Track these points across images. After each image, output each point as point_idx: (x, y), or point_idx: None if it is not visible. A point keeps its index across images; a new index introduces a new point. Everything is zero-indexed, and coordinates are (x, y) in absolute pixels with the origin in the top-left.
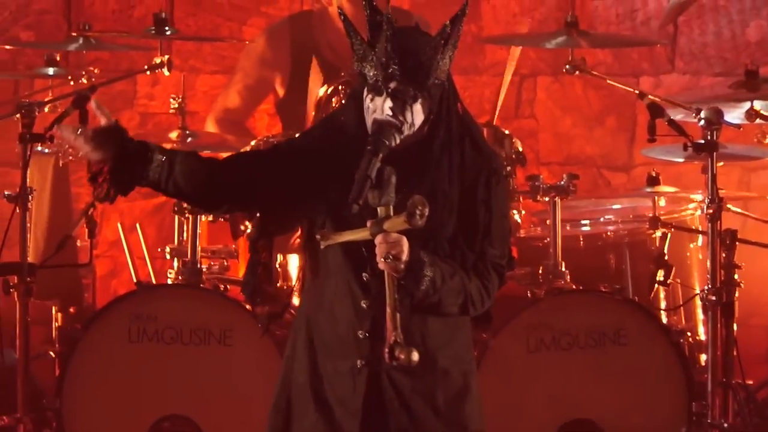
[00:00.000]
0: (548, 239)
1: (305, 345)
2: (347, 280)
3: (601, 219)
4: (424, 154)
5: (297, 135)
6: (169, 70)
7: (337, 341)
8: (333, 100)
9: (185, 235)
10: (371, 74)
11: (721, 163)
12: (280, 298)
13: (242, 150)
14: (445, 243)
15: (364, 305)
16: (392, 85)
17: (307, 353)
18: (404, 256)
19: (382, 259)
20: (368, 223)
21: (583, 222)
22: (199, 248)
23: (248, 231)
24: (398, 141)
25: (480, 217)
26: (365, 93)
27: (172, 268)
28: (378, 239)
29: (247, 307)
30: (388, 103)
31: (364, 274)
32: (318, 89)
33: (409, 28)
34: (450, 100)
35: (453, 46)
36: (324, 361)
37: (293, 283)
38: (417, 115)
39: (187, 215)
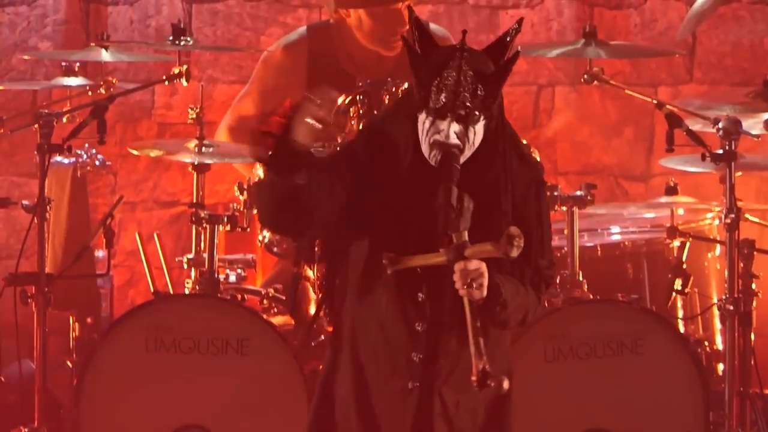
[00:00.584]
0: (566, 249)
1: (350, 360)
2: (400, 300)
3: (619, 228)
4: (481, 172)
5: (339, 152)
6: (187, 80)
7: (388, 361)
8: (351, 110)
9: (203, 245)
10: (437, 98)
11: (740, 173)
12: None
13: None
14: (506, 260)
15: (419, 328)
16: (461, 112)
17: (351, 368)
18: (486, 283)
19: (465, 287)
20: (442, 249)
21: (600, 231)
22: (216, 258)
23: (265, 241)
24: (459, 163)
25: (533, 231)
26: (424, 114)
27: (190, 277)
28: (458, 266)
29: (264, 317)
30: (454, 127)
31: (419, 295)
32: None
33: (477, 52)
34: (503, 116)
35: (511, 68)
36: (372, 377)
37: (310, 292)
38: (478, 134)
39: (204, 225)
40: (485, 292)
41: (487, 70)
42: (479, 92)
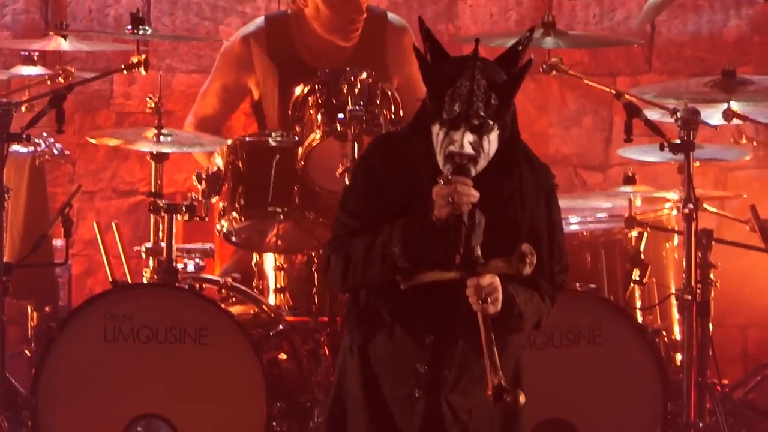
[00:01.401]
0: None
1: (359, 364)
2: (411, 312)
3: (577, 218)
4: (497, 183)
5: (356, 182)
6: (145, 70)
7: (394, 371)
8: (309, 99)
9: (161, 234)
10: (450, 109)
11: (698, 163)
12: None
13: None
14: (512, 285)
15: (427, 341)
16: (475, 121)
17: (361, 371)
18: (500, 298)
19: (479, 302)
20: (457, 264)
21: None
22: (174, 247)
23: (223, 230)
24: (475, 172)
25: (545, 240)
26: (438, 126)
27: (148, 267)
28: (471, 282)
29: (222, 306)
30: (468, 137)
31: (431, 308)
32: (293, 90)
33: (489, 62)
34: (516, 126)
35: (524, 76)
36: (381, 379)
37: (269, 282)
38: (492, 144)
39: (162, 214)
40: (499, 307)
41: (500, 79)
42: (492, 101)
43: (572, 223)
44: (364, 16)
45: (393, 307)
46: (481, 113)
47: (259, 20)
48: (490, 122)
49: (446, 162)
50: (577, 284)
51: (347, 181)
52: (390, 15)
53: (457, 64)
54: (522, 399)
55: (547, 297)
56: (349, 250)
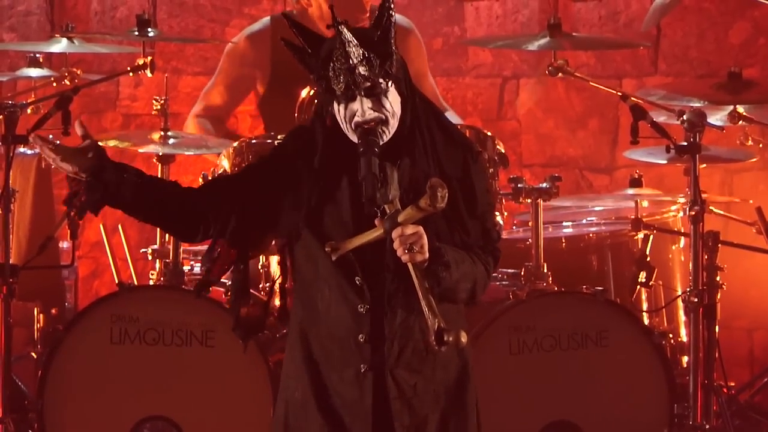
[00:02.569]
0: (530, 241)
1: (302, 359)
2: (340, 285)
3: (584, 221)
4: (398, 137)
5: (269, 152)
6: (151, 72)
7: (338, 349)
8: (316, 101)
9: (167, 236)
10: (337, 81)
11: (704, 165)
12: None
13: (219, 171)
14: (440, 229)
15: (361, 310)
16: (362, 84)
17: (305, 367)
18: (426, 244)
19: (406, 252)
20: (377, 222)
21: (565, 224)
22: (180, 250)
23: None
24: (390, 134)
25: (464, 199)
26: (336, 106)
27: (154, 269)
28: (395, 233)
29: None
30: (367, 103)
31: (356, 278)
32: (299, 90)
33: (357, 28)
34: (410, 80)
35: (393, 23)
36: (326, 371)
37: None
38: (395, 102)
39: None
40: (427, 254)
41: (370, 34)
42: (373, 60)
43: (578, 226)
44: (368, 15)
45: (323, 283)
46: (367, 74)
47: (265, 20)
48: (381, 81)
49: (357, 135)
50: (584, 287)
51: None
52: (397, 16)
53: (329, 41)
54: (464, 338)
55: (480, 261)
56: None
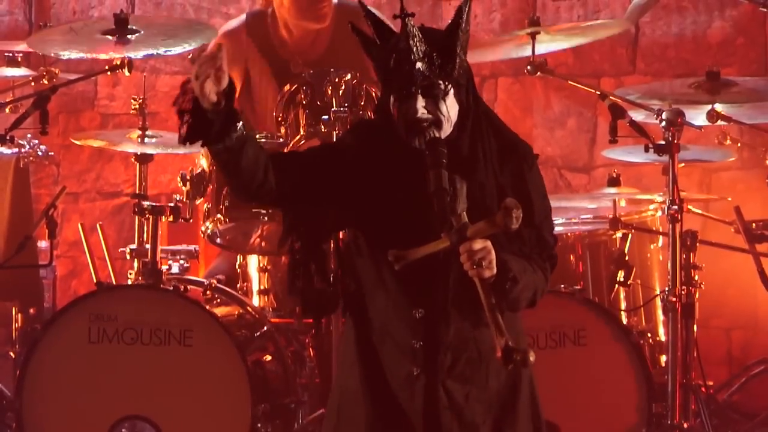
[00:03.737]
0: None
1: (358, 347)
2: (398, 289)
3: (562, 220)
4: (459, 148)
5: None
6: (129, 71)
7: (394, 349)
8: (293, 101)
9: (145, 235)
10: (397, 79)
11: (682, 165)
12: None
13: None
14: (500, 237)
15: (417, 315)
16: (421, 82)
17: (360, 355)
18: (494, 261)
19: (474, 267)
20: (443, 235)
21: None
22: (159, 249)
23: (208, 232)
24: (442, 137)
25: (536, 208)
26: (392, 101)
27: (133, 268)
28: (463, 248)
29: (207, 307)
30: (420, 102)
31: (415, 285)
32: (272, 87)
33: (423, 28)
34: (474, 89)
35: (467, 32)
36: (381, 364)
37: (253, 283)
38: (452, 107)
39: (147, 216)
40: (495, 270)
41: (438, 35)
42: (435, 59)
43: (557, 225)
44: None
45: (385, 283)
46: (427, 73)
47: (242, 16)
48: (441, 83)
49: (408, 133)
50: (562, 286)
51: None
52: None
53: (398, 35)
54: (532, 357)
55: (539, 268)
56: None
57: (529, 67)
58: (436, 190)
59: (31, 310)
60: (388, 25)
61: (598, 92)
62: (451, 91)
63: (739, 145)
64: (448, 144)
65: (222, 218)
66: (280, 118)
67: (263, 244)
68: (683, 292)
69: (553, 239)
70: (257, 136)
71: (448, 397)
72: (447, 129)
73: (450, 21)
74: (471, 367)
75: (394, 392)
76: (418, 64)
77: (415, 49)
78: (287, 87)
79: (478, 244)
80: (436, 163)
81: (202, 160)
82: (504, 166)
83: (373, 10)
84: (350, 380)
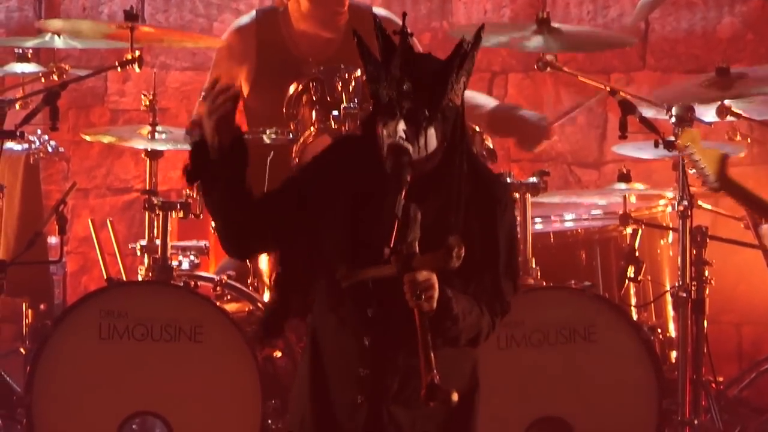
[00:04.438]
0: (518, 236)
1: (308, 377)
2: (351, 314)
3: (572, 216)
4: (435, 184)
5: (309, 164)
6: (139, 67)
7: (339, 374)
8: (304, 96)
9: (156, 231)
10: (384, 94)
11: None
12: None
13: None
14: (455, 277)
15: (366, 342)
16: (406, 104)
17: (309, 385)
18: (436, 295)
19: (414, 298)
20: (392, 260)
21: (553, 218)
22: (169, 245)
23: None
24: (412, 165)
25: (486, 251)
26: (378, 121)
27: (143, 264)
28: (407, 278)
29: (217, 303)
30: (402, 125)
31: (368, 310)
32: (282, 84)
33: (423, 53)
34: (463, 129)
35: (468, 71)
36: (329, 389)
37: (264, 279)
38: (430, 139)
39: (157, 212)
40: (434, 305)
41: (432, 65)
42: (425, 84)
43: (567, 221)
44: (346, 8)
45: (336, 305)
46: (412, 95)
47: (252, 13)
48: (425, 110)
49: (386, 156)
50: (572, 282)
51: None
52: (375, 9)
53: (392, 52)
54: (455, 397)
55: (488, 312)
56: None
57: (539, 63)
58: (388, 214)
59: (42, 306)
60: (392, 40)
61: (608, 88)
62: (434, 123)
63: (749, 140)
64: (424, 176)
65: None
66: (290, 115)
67: None
68: (693, 288)
69: (512, 288)
70: (267, 132)
71: (393, 424)
72: (416, 158)
73: (453, 52)
74: (418, 395)
75: (339, 424)
76: (406, 85)
77: (407, 69)
78: (297, 83)
79: (422, 276)
80: (397, 189)
81: None
82: (476, 208)
83: (387, 14)
84: (299, 412)
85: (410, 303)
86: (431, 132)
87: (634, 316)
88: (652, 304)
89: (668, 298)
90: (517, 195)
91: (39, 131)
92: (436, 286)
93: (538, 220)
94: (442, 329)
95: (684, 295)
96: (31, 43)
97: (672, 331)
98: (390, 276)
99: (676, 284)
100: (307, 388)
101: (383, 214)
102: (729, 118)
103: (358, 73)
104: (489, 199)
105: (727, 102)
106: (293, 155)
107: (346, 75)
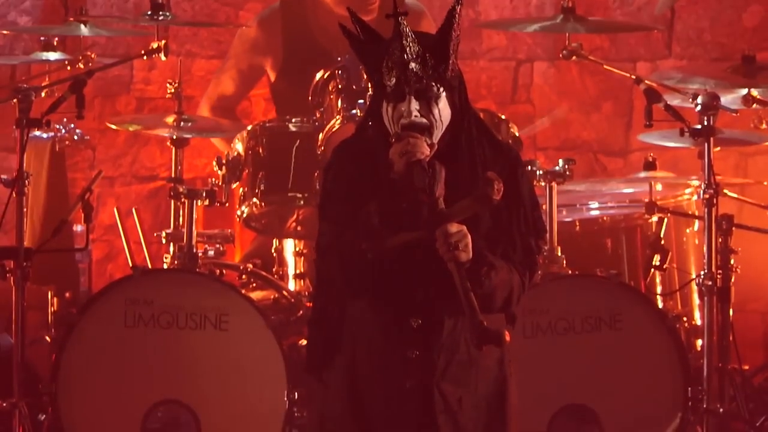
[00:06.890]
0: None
1: (343, 371)
2: (394, 298)
3: (597, 204)
4: (451, 150)
5: (329, 190)
6: (165, 55)
7: (385, 363)
8: (329, 85)
9: (181, 219)
10: (389, 80)
11: (718, 148)
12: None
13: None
14: (481, 240)
15: (414, 324)
16: (414, 83)
17: (346, 379)
18: (470, 244)
19: (450, 250)
20: (423, 219)
21: (579, 207)
22: (195, 233)
23: (244, 216)
24: (433, 142)
25: (514, 212)
26: (385, 105)
27: (168, 252)
28: (439, 231)
29: (243, 291)
30: (414, 104)
31: (416, 294)
32: (309, 73)
33: (417, 32)
34: (465, 92)
35: (458, 35)
36: (370, 384)
37: (289, 267)
38: (443, 111)
39: (182, 200)
40: (471, 253)
41: (430, 37)
42: (429, 61)
43: (593, 209)
44: (377, 3)
45: (375, 295)
46: (420, 74)
47: (275, 4)
48: (434, 85)
49: (401, 135)
50: (598, 270)
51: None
52: (409, 0)
53: (389, 38)
54: (507, 337)
55: (517, 271)
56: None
57: (564, 51)
58: (415, 171)
59: (67, 294)
60: (377, 33)
61: (634, 76)
62: (444, 94)
63: None
64: (441, 149)
65: (258, 202)
66: (315, 103)
67: (299, 228)
68: (719, 276)
69: (538, 247)
70: (293, 120)
71: (443, 401)
72: (437, 134)
73: (442, 23)
74: (462, 371)
75: (387, 408)
76: (412, 65)
77: (408, 50)
78: (323, 71)
79: (453, 228)
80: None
81: (237, 144)
82: (497, 169)
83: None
84: (336, 404)
85: (445, 256)
86: (443, 104)
87: (660, 305)
88: (678, 293)
89: (694, 286)
90: (543, 183)
91: (65, 119)
92: (469, 236)
93: (564, 208)
94: (479, 280)
95: (710, 283)
96: (57, 31)
97: (698, 320)
98: (417, 239)
99: (702, 272)
100: (344, 391)
101: (402, 196)
102: (754, 106)
103: None
104: (507, 160)
105: (752, 90)
106: (319, 143)
107: None
